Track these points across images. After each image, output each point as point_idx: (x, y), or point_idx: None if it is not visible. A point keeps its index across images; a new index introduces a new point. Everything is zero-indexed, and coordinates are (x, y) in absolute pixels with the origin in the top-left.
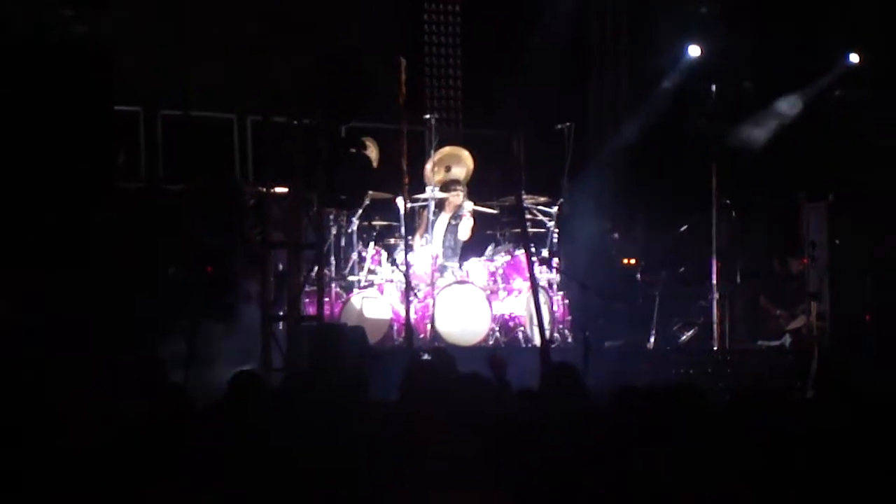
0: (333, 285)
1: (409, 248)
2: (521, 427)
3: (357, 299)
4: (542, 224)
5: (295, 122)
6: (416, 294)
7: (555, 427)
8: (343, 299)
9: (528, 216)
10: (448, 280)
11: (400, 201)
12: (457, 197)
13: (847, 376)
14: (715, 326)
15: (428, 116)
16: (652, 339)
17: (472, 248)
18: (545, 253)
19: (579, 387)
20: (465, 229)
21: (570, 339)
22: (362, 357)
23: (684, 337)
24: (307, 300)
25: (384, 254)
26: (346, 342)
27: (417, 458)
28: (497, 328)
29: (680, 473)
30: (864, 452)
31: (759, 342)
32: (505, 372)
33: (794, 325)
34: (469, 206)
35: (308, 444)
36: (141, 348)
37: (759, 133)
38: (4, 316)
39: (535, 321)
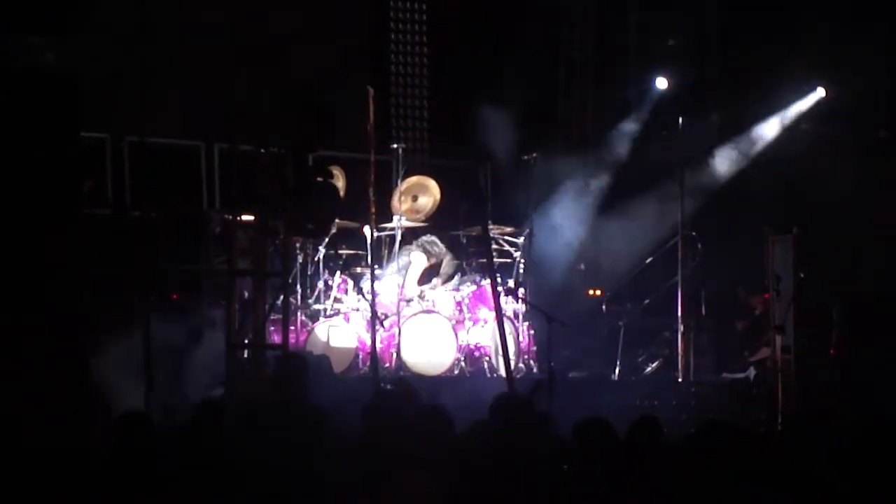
0: (299, 314)
1: (374, 277)
2: (481, 460)
3: (323, 328)
4: (508, 254)
5: (262, 151)
6: (381, 323)
7: (514, 460)
8: (308, 328)
9: (495, 246)
10: (414, 309)
11: (367, 230)
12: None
13: (812, 409)
14: (680, 358)
15: (395, 146)
16: (617, 371)
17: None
18: (511, 283)
19: (528, 418)
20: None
21: (535, 370)
22: (326, 387)
23: (649, 368)
24: (272, 328)
25: (350, 283)
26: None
27: (379, 489)
28: (463, 358)
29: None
30: (828, 486)
31: (724, 374)
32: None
33: (758, 357)
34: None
35: (270, 474)
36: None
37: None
38: None
39: (501, 351)
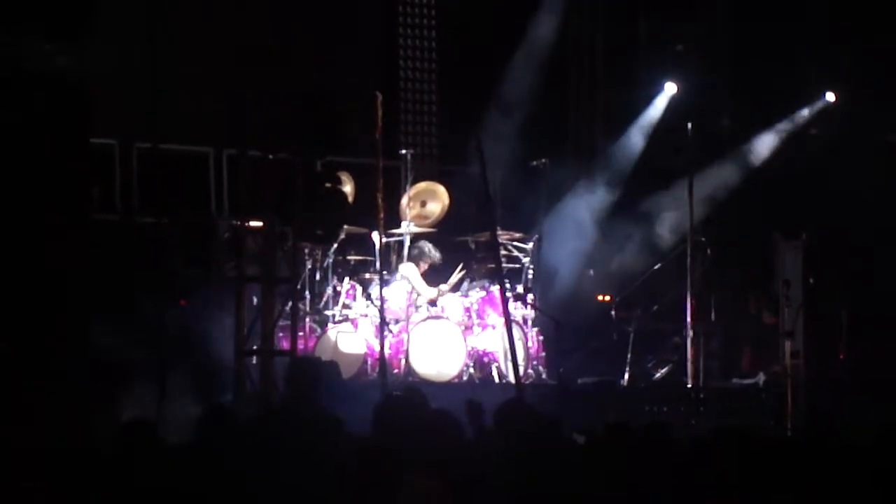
0: (308, 320)
1: (383, 282)
2: (489, 466)
3: (331, 334)
4: (517, 260)
5: (270, 157)
6: (390, 329)
7: (522, 465)
8: (317, 334)
9: (503, 252)
10: (423, 315)
11: (375, 236)
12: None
13: (821, 415)
14: (689, 364)
15: (404, 152)
16: (626, 376)
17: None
18: (520, 289)
19: (535, 424)
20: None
21: (544, 376)
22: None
23: (658, 374)
24: (281, 334)
25: (359, 288)
26: (321, 376)
27: (388, 496)
28: (471, 364)
29: None
30: (837, 491)
31: (734, 380)
32: (481, 417)
33: (773, 368)
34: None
35: (280, 481)
36: (111, 382)
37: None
38: None
39: (510, 357)
